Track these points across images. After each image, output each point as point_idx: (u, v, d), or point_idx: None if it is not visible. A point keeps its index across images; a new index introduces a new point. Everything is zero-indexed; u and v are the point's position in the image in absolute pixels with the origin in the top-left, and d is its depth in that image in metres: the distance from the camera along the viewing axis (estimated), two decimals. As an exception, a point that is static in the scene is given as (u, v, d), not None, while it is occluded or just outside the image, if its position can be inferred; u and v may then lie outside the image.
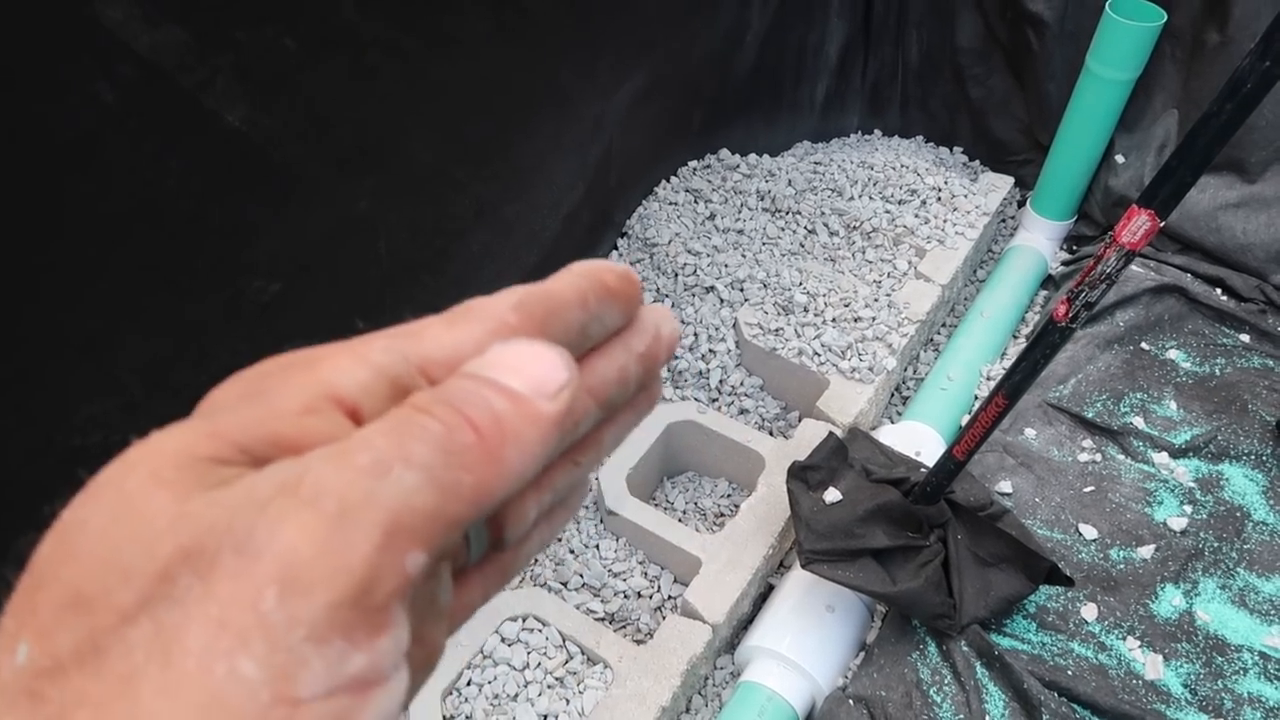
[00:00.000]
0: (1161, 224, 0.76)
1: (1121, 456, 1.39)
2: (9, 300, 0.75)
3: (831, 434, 1.24)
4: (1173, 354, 1.54)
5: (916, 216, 1.69)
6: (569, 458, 0.26)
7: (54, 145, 0.74)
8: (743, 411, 1.48)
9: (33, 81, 0.71)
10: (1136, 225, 0.76)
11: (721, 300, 1.55)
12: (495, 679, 1.12)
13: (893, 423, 1.49)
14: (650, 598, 1.28)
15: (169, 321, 0.89)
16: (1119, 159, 1.69)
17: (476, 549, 0.25)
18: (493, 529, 0.25)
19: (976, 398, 1.51)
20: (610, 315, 0.25)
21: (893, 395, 1.57)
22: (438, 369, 0.22)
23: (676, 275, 1.58)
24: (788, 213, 1.72)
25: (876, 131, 2.03)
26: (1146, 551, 1.25)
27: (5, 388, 0.78)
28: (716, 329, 1.51)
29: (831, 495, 1.16)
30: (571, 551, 1.30)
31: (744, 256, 1.62)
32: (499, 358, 0.21)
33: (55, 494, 0.72)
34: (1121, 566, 1.24)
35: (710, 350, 1.50)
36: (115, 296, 0.83)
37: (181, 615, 0.16)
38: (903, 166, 1.79)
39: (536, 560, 1.30)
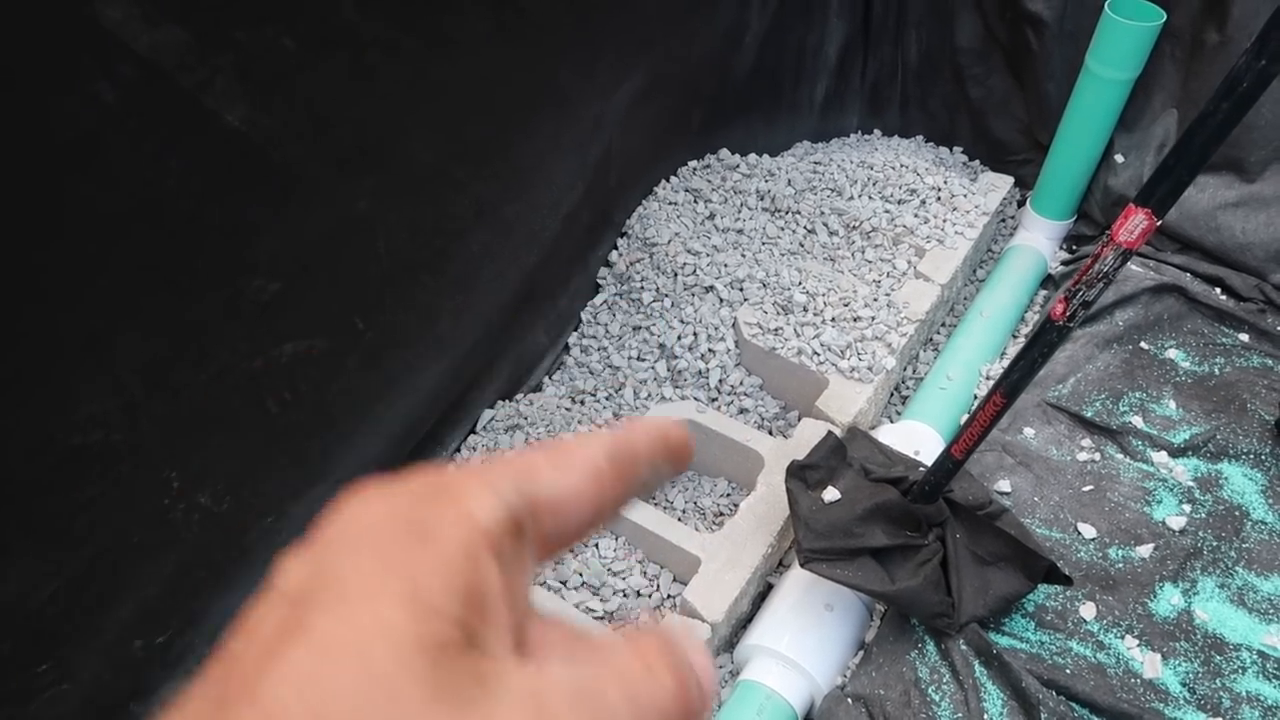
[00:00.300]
0: (1158, 223, 0.76)
1: (1120, 456, 1.39)
2: (9, 299, 0.76)
3: (830, 433, 1.24)
4: (1172, 353, 1.54)
5: (916, 216, 1.69)
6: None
7: (54, 145, 0.74)
8: (742, 411, 1.48)
9: (33, 81, 0.71)
10: (1133, 224, 0.76)
11: (721, 300, 1.55)
12: (495, 678, 1.12)
13: (892, 422, 1.49)
14: (649, 596, 1.28)
15: (169, 320, 0.89)
16: (1119, 158, 1.69)
17: None
18: None
19: (976, 397, 1.51)
20: (665, 469, 0.29)
21: (892, 395, 1.58)
22: (544, 508, 0.24)
23: (676, 275, 1.58)
24: (787, 212, 1.72)
25: (876, 131, 2.03)
26: (1145, 550, 1.25)
27: (5, 386, 0.78)
28: (716, 328, 1.52)
29: (830, 494, 1.16)
30: (570, 550, 1.30)
31: (743, 256, 1.62)
32: (689, 645, 0.24)
33: (54, 492, 0.72)
34: (1120, 565, 1.24)
35: (710, 350, 1.51)
36: (115, 295, 0.83)
37: None
38: (902, 166, 1.79)
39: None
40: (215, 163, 0.87)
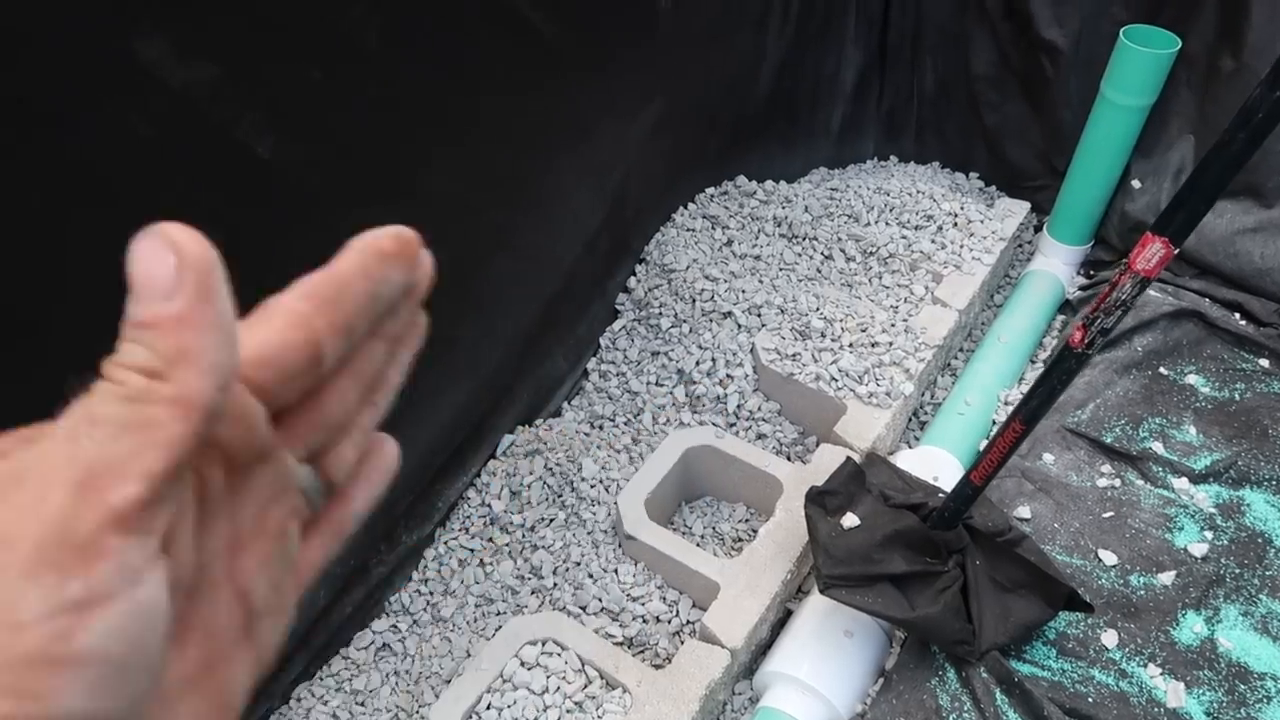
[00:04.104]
0: (1176, 251, 0.76)
1: (1141, 482, 1.39)
2: (41, 329, 0.77)
3: (849, 459, 1.25)
4: (1191, 379, 1.54)
5: (933, 242, 1.70)
6: (366, 399, 0.29)
7: (93, 178, 0.76)
8: (760, 436, 1.49)
9: (71, 115, 0.74)
10: (1151, 253, 0.77)
11: (739, 326, 1.56)
12: (515, 703, 1.12)
13: (910, 448, 1.49)
14: (669, 622, 1.28)
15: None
16: (1135, 184, 1.69)
17: (315, 498, 0.28)
18: (322, 474, 0.28)
19: (994, 423, 1.51)
20: (395, 276, 0.28)
21: (910, 420, 1.57)
22: (250, 369, 0.25)
23: (694, 301, 1.59)
24: (804, 238, 1.73)
25: (893, 157, 2.05)
26: (1167, 578, 1.24)
27: (26, 409, 0.79)
28: (734, 354, 1.52)
29: (849, 520, 1.16)
30: (590, 576, 1.31)
31: (761, 282, 1.63)
32: (132, 285, 0.23)
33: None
34: (1142, 593, 1.23)
35: (728, 375, 1.51)
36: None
37: None
38: (919, 192, 1.80)
39: (555, 584, 1.31)
40: (245, 193, 0.89)
